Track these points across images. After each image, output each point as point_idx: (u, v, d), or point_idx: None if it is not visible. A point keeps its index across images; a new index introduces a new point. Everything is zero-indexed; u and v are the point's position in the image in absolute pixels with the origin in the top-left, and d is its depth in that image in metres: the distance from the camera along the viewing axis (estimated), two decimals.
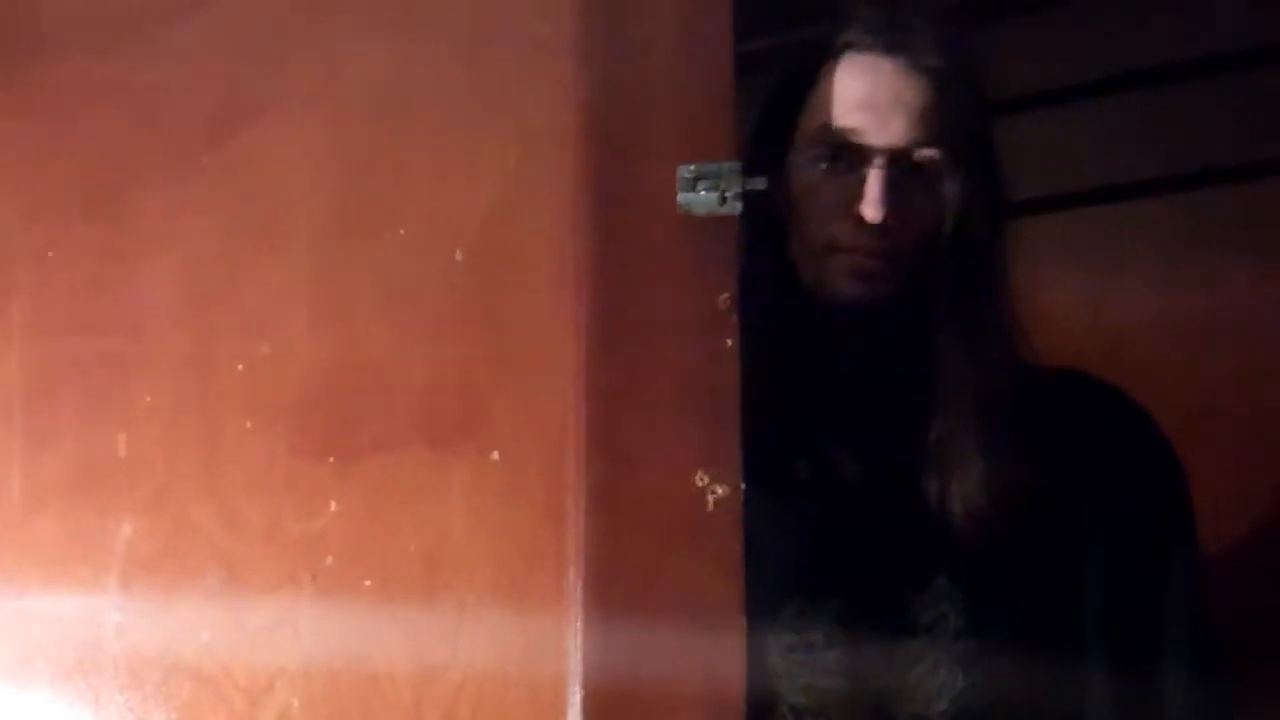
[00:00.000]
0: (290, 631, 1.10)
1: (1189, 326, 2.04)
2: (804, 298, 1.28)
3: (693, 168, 1.08)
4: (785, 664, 1.24)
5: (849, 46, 1.28)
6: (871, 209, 1.23)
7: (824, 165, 1.27)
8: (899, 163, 1.25)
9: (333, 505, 1.11)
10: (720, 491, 1.03)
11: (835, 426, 1.29)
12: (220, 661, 1.11)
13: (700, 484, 1.03)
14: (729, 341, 1.06)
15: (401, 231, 1.14)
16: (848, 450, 1.29)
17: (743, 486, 1.03)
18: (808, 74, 1.29)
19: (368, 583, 1.09)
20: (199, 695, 1.11)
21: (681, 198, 1.08)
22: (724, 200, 1.07)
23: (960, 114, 1.27)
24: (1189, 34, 2.07)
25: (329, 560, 1.10)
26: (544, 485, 1.07)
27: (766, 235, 1.25)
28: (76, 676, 1.13)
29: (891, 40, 1.27)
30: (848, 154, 1.26)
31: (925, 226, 1.27)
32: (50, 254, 1.21)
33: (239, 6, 1.22)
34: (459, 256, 1.12)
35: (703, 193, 1.08)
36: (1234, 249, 2.04)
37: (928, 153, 1.26)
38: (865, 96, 1.26)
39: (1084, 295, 2.04)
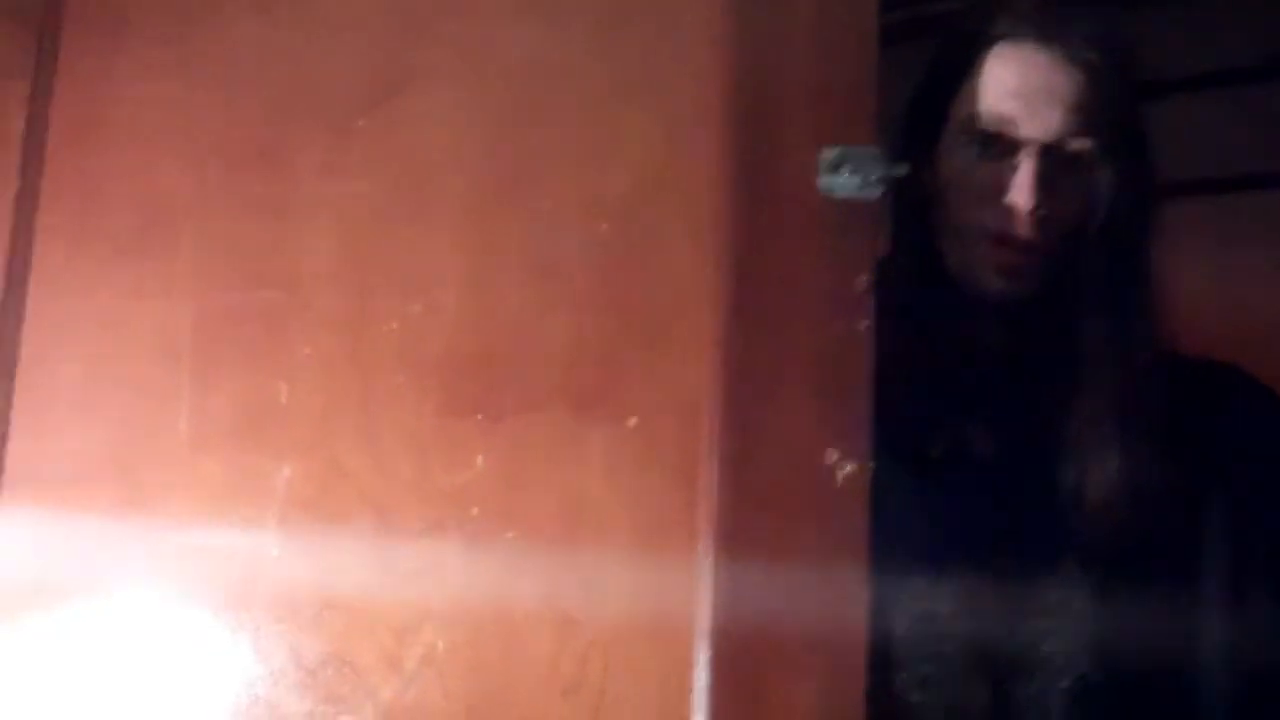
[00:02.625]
0: (437, 576, 1.20)
1: None
2: (946, 284, 1.33)
3: (835, 151, 1.13)
4: (911, 635, 1.30)
5: (1002, 36, 1.32)
6: (1023, 198, 1.27)
7: (976, 153, 1.31)
8: (1051, 153, 1.29)
9: (479, 460, 1.20)
10: (848, 469, 1.10)
11: (970, 409, 1.35)
12: (371, 599, 1.21)
13: (829, 461, 1.10)
14: (864, 323, 1.12)
15: (548, 203, 1.22)
16: (982, 432, 1.34)
17: (871, 465, 1.10)
18: (959, 63, 1.34)
19: (510, 534, 1.19)
20: (351, 629, 1.21)
21: (823, 180, 1.14)
22: (865, 184, 1.13)
23: (1113, 105, 1.30)
24: None
25: (474, 511, 1.19)
26: (678, 454, 1.15)
27: (910, 221, 1.29)
28: (237, 607, 1.24)
29: (1046, 31, 1.31)
30: (1000, 143, 1.31)
31: (1075, 217, 1.30)
32: (214, 207, 1.30)
33: None
34: (603, 229, 1.19)
35: (845, 176, 1.13)
36: None
37: (1080, 144, 1.30)
38: (1019, 86, 1.30)
39: (1229, 284, 2.03)
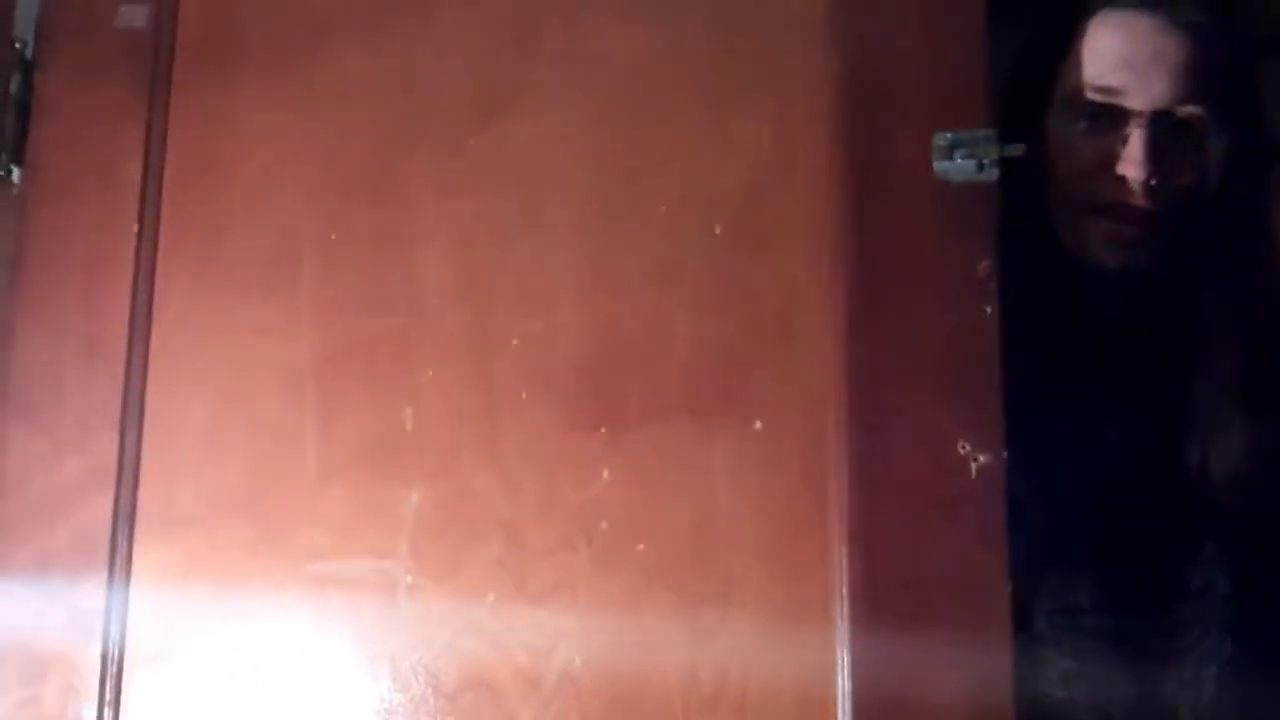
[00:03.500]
0: (569, 593, 1.20)
1: None
2: (1064, 261, 1.31)
3: (949, 135, 1.13)
4: (1051, 629, 1.28)
5: (1105, 4, 1.30)
6: (1135, 169, 1.25)
7: (1084, 125, 1.29)
8: (1161, 121, 1.27)
9: (605, 474, 1.20)
10: (982, 459, 1.08)
11: (1097, 391, 1.32)
12: (505, 621, 1.22)
13: (962, 452, 1.09)
14: (989, 309, 1.10)
15: (662, 208, 1.22)
16: (1111, 415, 1.31)
17: (1005, 454, 1.08)
18: (1061, 33, 1.32)
19: (640, 547, 1.18)
20: (485, 653, 1.22)
21: (938, 166, 1.13)
22: (981, 167, 1.12)
23: (1222, 68, 1.28)
24: None
25: (603, 525, 1.20)
26: (806, 455, 1.15)
27: (1024, 199, 1.28)
28: (373, 636, 1.25)
29: None
30: (1108, 114, 1.28)
31: (1189, 185, 1.28)
32: (333, 237, 1.32)
33: None
34: (718, 231, 1.20)
35: (959, 160, 1.12)
36: None
37: (1190, 110, 1.27)
38: (1124, 54, 1.28)
39: None
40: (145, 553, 1.32)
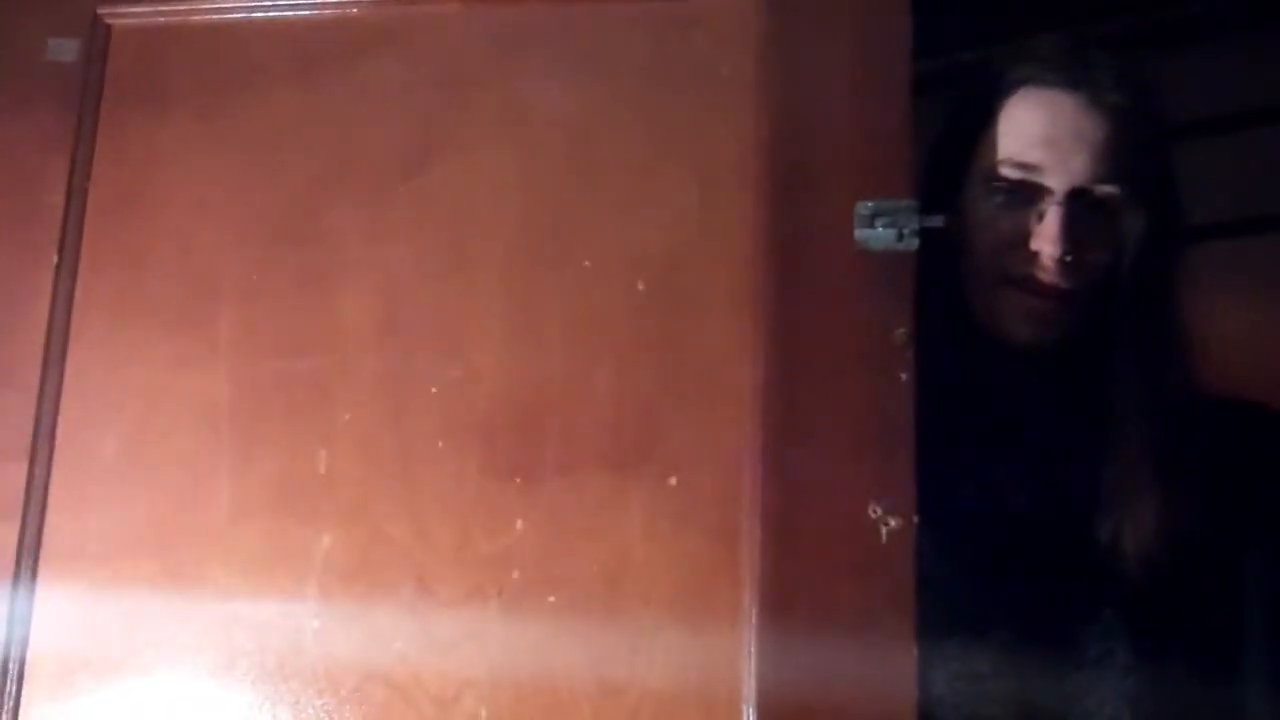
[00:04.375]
0: (478, 643, 1.21)
1: None
2: (977, 332, 1.33)
3: (870, 204, 1.16)
4: (950, 693, 1.29)
5: (1027, 80, 1.33)
6: (1050, 245, 1.28)
7: (1001, 200, 1.32)
8: (1078, 199, 1.30)
9: (519, 524, 1.21)
10: (894, 524, 1.11)
11: (1007, 461, 1.35)
12: (411, 670, 1.22)
13: (874, 516, 1.11)
14: (904, 376, 1.13)
15: (586, 263, 1.24)
16: (1019, 485, 1.34)
17: (915, 519, 1.10)
18: (983, 108, 1.35)
19: (551, 599, 1.19)
20: (391, 701, 1.22)
21: (859, 234, 1.16)
22: (901, 237, 1.15)
23: (1141, 150, 1.31)
24: None
25: (515, 575, 1.21)
26: (720, 511, 1.17)
27: (940, 271, 1.30)
28: (277, 679, 1.24)
29: (1072, 75, 1.32)
30: (1026, 189, 1.31)
31: (1102, 262, 1.31)
32: (255, 276, 1.32)
33: (433, 42, 1.34)
34: (641, 288, 1.22)
35: (880, 229, 1.15)
36: None
37: (1107, 189, 1.30)
38: (1045, 132, 1.31)
39: (1256, 323, 2.03)
40: (49, 586, 1.31)
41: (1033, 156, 1.31)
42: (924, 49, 1.18)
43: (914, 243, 1.15)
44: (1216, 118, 2.11)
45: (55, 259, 1.34)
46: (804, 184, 1.18)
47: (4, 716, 1.27)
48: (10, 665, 1.28)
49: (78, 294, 1.35)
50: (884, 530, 1.11)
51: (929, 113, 1.26)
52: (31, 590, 1.30)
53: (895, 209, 1.15)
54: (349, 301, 1.30)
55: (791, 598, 1.14)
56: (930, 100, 1.25)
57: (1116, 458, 1.31)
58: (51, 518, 1.32)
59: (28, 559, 1.30)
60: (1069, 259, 1.29)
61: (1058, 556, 1.32)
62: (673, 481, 1.18)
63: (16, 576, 1.29)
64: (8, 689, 1.27)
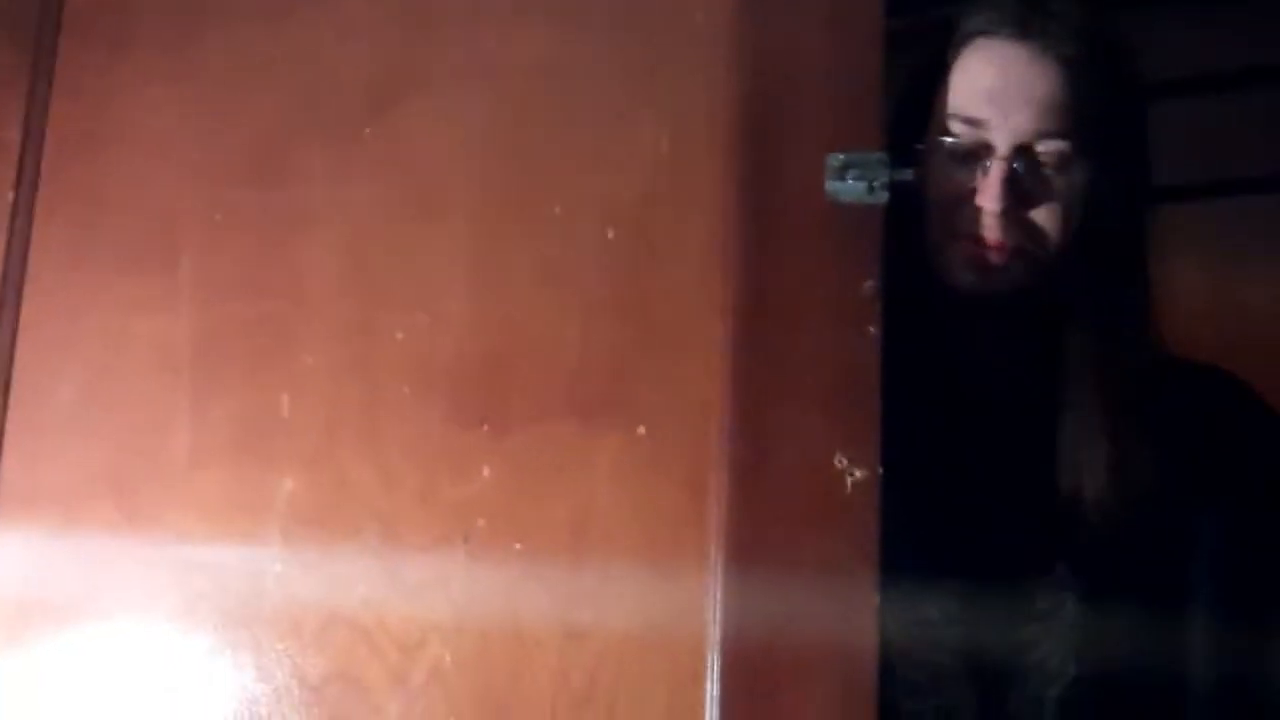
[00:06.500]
0: (443, 590, 1.22)
1: None
2: (936, 288, 1.35)
3: (841, 157, 1.17)
4: (903, 642, 1.31)
5: (981, 32, 1.33)
6: (989, 202, 1.30)
7: (951, 154, 1.33)
8: (1021, 156, 1.30)
9: (485, 471, 1.22)
10: (858, 474, 1.13)
11: (967, 413, 1.37)
12: (376, 615, 1.23)
13: (839, 466, 1.13)
14: (871, 328, 1.15)
15: (556, 208, 1.25)
16: (977, 437, 1.37)
17: (880, 470, 1.12)
18: (941, 60, 1.35)
19: (518, 546, 1.21)
20: (354, 646, 1.23)
21: (829, 186, 1.17)
22: (871, 189, 1.16)
23: (1095, 104, 1.32)
24: None
25: (481, 523, 1.22)
26: (688, 461, 1.18)
27: (905, 222, 1.31)
28: (238, 624, 1.26)
29: (1025, 27, 1.32)
30: (972, 146, 1.32)
31: (1051, 218, 1.32)
32: (217, 217, 1.33)
33: None
34: (611, 235, 1.23)
35: (851, 181, 1.16)
36: None
37: (1053, 145, 1.31)
38: (991, 86, 1.32)
39: (1219, 287, 2.07)
40: (6, 530, 1.31)
41: (978, 111, 1.31)
42: (896, 6, 1.19)
43: (884, 196, 1.16)
44: (1193, 78, 2.13)
45: (11, 197, 1.34)
46: (775, 135, 1.19)
47: None
48: None
49: (34, 234, 1.35)
50: (849, 480, 1.13)
51: (901, 64, 1.28)
52: None
53: (866, 161, 1.16)
54: (313, 244, 1.30)
55: (757, 545, 1.16)
56: (902, 50, 1.26)
57: (1074, 412, 1.34)
58: (7, 462, 1.32)
59: None
60: (1010, 216, 1.30)
61: (1012, 508, 1.35)
62: (641, 430, 1.19)
63: None
64: None
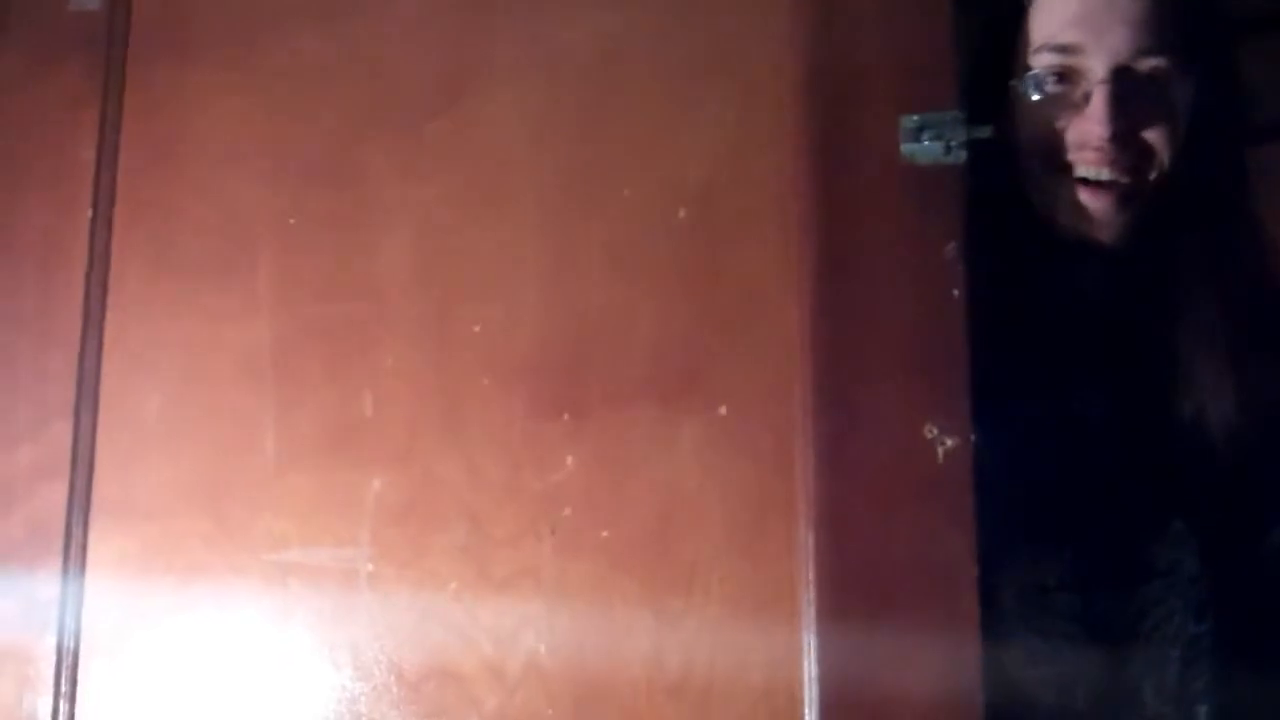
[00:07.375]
0: (533, 580, 1.22)
1: None
2: (1038, 235, 1.32)
3: (916, 118, 1.15)
4: (1018, 607, 1.29)
5: None
6: (1099, 126, 1.26)
7: (1047, 88, 1.30)
8: (1123, 76, 1.27)
9: (569, 460, 1.22)
10: (950, 443, 1.10)
11: (1074, 364, 1.33)
12: (468, 609, 1.23)
13: (929, 436, 1.11)
14: (955, 291, 1.13)
15: (625, 192, 1.24)
16: (1088, 388, 1.33)
17: (973, 437, 1.10)
18: (1015, 4, 1.32)
19: (605, 534, 1.20)
20: (449, 641, 1.23)
21: (905, 148, 1.15)
22: (949, 149, 1.14)
23: (1188, 19, 1.28)
24: None
25: (567, 512, 1.21)
26: (772, 439, 1.17)
27: (995, 178, 1.28)
28: (334, 625, 1.26)
29: None
30: (1068, 73, 1.29)
31: (1161, 137, 1.29)
32: (291, 221, 1.33)
33: None
34: (682, 215, 1.21)
35: (927, 142, 1.14)
36: None
37: (1153, 62, 1.27)
38: (1081, 10, 1.28)
39: None
40: (101, 542, 1.33)
41: (1069, 36, 1.28)
42: None
43: (962, 155, 1.14)
44: None
45: (90, 214, 1.36)
46: (846, 99, 1.17)
47: (64, 675, 1.30)
48: (66, 623, 1.30)
49: (114, 248, 1.36)
50: (940, 450, 1.11)
51: (970, 20, 1.25)
52: (84, 549, 1.32)
53: (941, 121, 1.14)
54: (386, 243, 1.30)
55: (848, 522, 1.14)
56: (971, 7, 1.23)
57: (1193, 346, 1.29)
58: (99, 475, 1.33)
59: (78, 517, 1.32)
60: (1121, 139, 1.26)
61: (1124, 465, 1.31)
62: (722, 410, 1.18)
63: (68, 536, 1.31)
64: (65, 646, 1.29)
